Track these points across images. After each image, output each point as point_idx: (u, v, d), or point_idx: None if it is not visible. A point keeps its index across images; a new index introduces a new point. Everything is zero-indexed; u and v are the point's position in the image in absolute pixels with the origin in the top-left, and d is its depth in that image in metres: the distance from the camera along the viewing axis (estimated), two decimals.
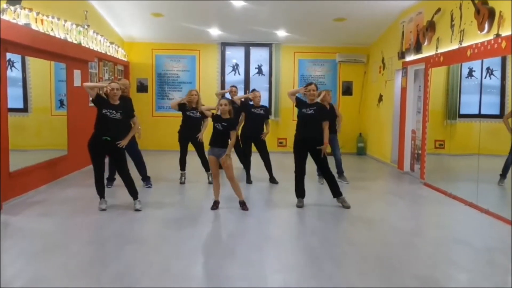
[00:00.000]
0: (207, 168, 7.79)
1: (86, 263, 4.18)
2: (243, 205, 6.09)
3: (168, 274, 3.94)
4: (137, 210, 5.92)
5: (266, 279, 3.92)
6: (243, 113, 7.90)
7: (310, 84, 6.41)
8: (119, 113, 5.83)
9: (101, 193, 6.02)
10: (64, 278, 3.84)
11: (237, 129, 6.59)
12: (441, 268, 4.18)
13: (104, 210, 5.89)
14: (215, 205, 6.09)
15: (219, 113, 6.12)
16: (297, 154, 6.31)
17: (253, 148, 7.97)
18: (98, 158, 5.94)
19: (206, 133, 7.80)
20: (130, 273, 3.94)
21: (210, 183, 7.70)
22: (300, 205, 6.28)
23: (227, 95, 8.92)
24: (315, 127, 6.20)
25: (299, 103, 6.39)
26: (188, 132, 7.57)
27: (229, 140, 6.07)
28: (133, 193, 6.05)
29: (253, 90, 8.15)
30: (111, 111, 5.80)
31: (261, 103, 8.01)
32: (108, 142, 5.82)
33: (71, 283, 3.74)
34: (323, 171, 6.34)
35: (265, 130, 7.88)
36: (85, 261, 4.24)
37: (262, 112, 7.85)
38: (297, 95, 6.54)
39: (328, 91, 7.43)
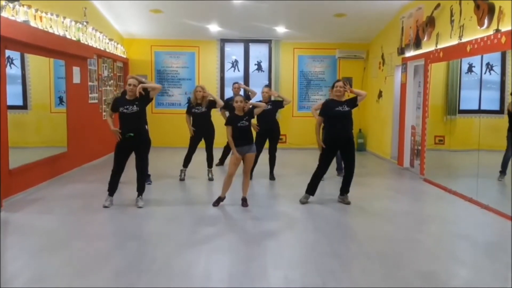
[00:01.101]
0: (210, 164, 7.81)
1: (88, 261, 4.18)
2: (244, 202, 6.10)
3: (170, 271, 3.95)
4: (139, 207, 5.94)
5: (268, 275, 3.92)
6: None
7: (338, 81, 6.30)
8: (135, 105, 5.84)
9: (111, 190, 6.03)
10: (65, 276, 3.84)
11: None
12: (442, 264, 4.19)
13: (107, 207, 5.89)
14: (217, 202, 6.09)
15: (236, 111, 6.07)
16: (327, 153, 6.24)
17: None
18: (121, 155, 5.97)
19: (218, 134, 7.82)
20: (131, 271, 3.94)
21: (210, 179, 7.72)
22: (304, 201, 6.27)
23: (230, 92, 8.96)
24: (349, 125, 6.20)
25: (325, 109, 6.24)
26: (200, 129, 7.61)
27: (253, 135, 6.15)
28: (141, 188, 6.10)
29: (266, 85, 8.08)
30: (127, 106, 5.85)
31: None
32: (132, 137, 5.86)
33: (73, 281, 3.74)
34: (348, 167, 6.28)
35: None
36: (86, 258, 4.24)
37: (269, 107, 7.83)
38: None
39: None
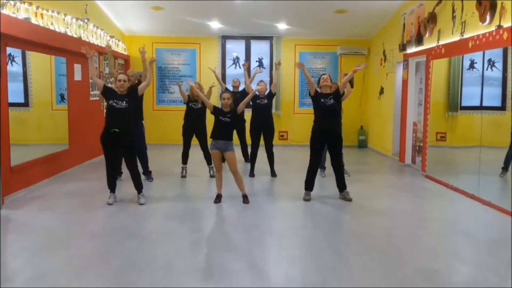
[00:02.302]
0: (209, 161, 7.81)
1: (89, 258, 4.19)
2: (245, 199, 6.10)
3: (171, 268, 3.95)
4: (141, 204, 5.94)
5: (268, 272, 3.93)
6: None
7: (323, 75, 6.41)
8: (124, 101, 5.79)
9: (111, 187, 6.03)
10: (67, 274, 3.84)
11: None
12: (443, 261, 4.19)
13: (110, 204, 5.90)
14: (218, 199, 6.10)
15: (220, 106, 6.15)
16: (314, 145, 6.26)
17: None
18: (109, 151, 5.92)
19: (209, 127, 7.79)
20: (132, 268, 3.94)
21: (211, 176, 7.72)
22: (307, 198, 6.26)
23: (230, 88, 8.97)
24: (335, 119, 6.19)
25: (315, 93, 6.22)
26: (192, 124, 7.63)
27: (234, 134, 6.18)
28: (138, 186, 6.07)
29: (261, 81, 8.10)
30: (117, 101, 5.79)
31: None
32: (117, 134, 5.78)
33: (73, 280, 3.74)
34: (336, 164, 6.28)
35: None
36: (87, 256, 4.25)
37: (265, 101, 7.84)
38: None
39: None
